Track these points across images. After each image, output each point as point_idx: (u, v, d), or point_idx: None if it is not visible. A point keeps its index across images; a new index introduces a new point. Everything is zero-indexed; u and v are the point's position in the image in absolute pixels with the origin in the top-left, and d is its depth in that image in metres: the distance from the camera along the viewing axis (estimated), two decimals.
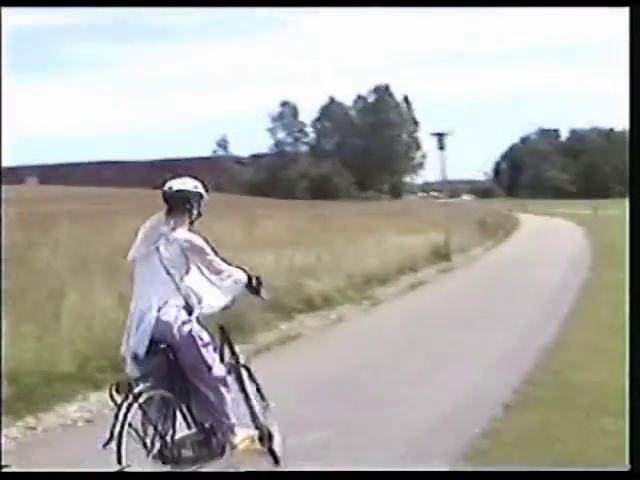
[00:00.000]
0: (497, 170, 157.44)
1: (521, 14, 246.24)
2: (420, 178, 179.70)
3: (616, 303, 15.59)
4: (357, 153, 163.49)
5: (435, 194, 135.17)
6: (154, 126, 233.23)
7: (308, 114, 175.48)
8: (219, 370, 6.66)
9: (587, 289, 18.08)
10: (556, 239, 40.82)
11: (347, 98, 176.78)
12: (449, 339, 12.51)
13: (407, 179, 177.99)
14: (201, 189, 6.81)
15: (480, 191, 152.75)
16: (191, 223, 6.71)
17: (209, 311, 6.86)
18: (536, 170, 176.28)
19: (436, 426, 8.00)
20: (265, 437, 6.94)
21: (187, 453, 6.40)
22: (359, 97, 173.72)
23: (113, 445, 5.73)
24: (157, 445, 6.14)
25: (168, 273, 6.49)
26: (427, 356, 11.42)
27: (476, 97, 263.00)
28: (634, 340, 5.98)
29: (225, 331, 7.28)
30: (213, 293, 6.86)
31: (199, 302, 6.71)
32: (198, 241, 6.57)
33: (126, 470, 5.74)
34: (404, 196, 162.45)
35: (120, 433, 5.80)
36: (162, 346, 6.35)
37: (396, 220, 37.90)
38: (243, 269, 6.94)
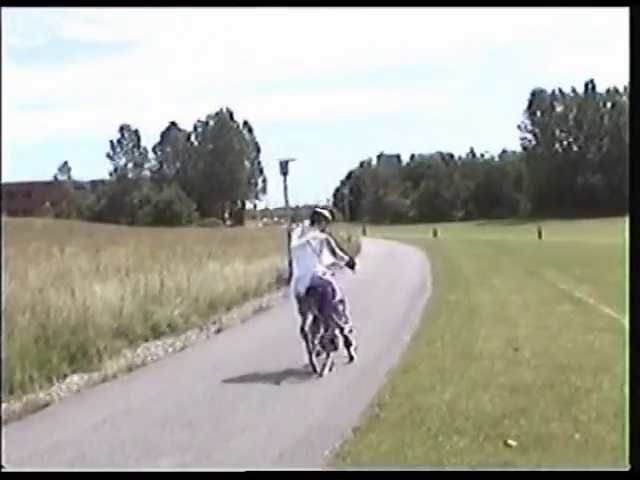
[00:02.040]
0: (338, 195, 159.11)
1: (362, 38, 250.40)
2: (262, 204, 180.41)
3: (459, 325, 16.00)
4: (199, 179, 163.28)
5: (277, 219, 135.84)
6: None
7: (149, 139, 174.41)
8: (339, 300, 12.59)
9: (429, 312, 18.40)
10: (397, 263, 41.48)
11: (189, 123, 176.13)
12: (294, 365, 12.53)
13: (249, 205, 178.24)
14: (328, 214, 13.08)
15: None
16: (322, 230, 12.73)
17: (334, 271, 12.75)
18: (376, 195, 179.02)
19: (287, 450, 8.00)
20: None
21: (327, 346, 12.32)
22: (199, 122, 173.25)
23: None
24: (316, 341, 12.08)
25: (315, 253, 12.44)
26: (273, 383, 11.38)
27: (317, 122, 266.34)
28: (634, 344, 6.10)
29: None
30: (334, 263, 12.78)
31: (330, 266, 12.66)
32: (330, 238, 12.77)
33: (126, 470, 7.28)
34: (246, 222, 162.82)
35: (302, 328, 11.97)
36: (312, 289, 12.27)
37: (239, 246, 37.93)
38: (348, 255, 13.47)
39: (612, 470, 6.55)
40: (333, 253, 12.74)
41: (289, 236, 14.13)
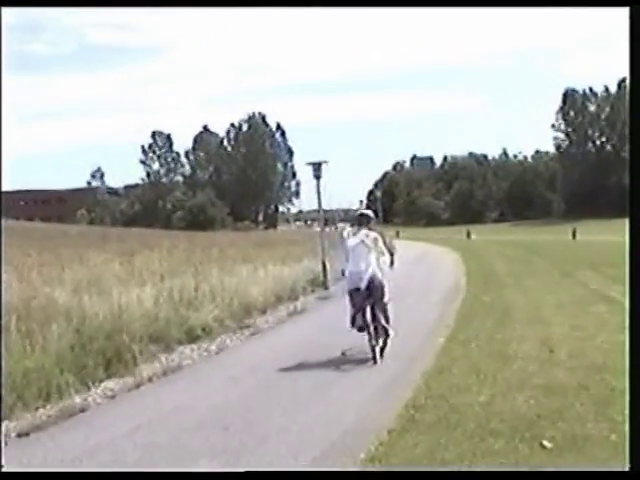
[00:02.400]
0: (371, 197, 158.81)
1: (394, 40, 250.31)
2: (295, 207, 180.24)
3: (493, 326, 15.94)
4: (232, 183, 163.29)
5: (310, 222, 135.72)
6: (27, 157, 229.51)
7: (182, 144, 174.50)
8: (387, 298, 13.70)
9: (463, 313, 18.33)
10: (431, 264, 41.37)
11: (221, 127, 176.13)
12: (331, 367, 12.55)
13: (282, 208, 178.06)
14: (372, 214, 14.64)
15: (355, 219, 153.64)
16: (370, 229, 13.87)
17: (384, 270, 13.97)
18: (410, 197, 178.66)
19: (322, 453, 8.01)
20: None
21: (380, 336, 13.46)
22: (232, 126, 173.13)
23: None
24: (370, 328, 13.30)
25: (369, 251, 13.54)
26: (308, 385, 11.42)
27: (350, 125, 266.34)
28: (634, 344, 6.07)
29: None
30: (384, 261, 14.03)
31: (381, 265, 13.83)
32: (379, 236, 13.89)
33: (126, 470, 7.41)
34: (279, 225, 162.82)
35: (354, 316, 13.55)
36: (370, 285, 13.36)
37: (273, 249, 37.99)
38: (390, 252, 14.34)
39: (612, 470, 6.52)
40: (381, 250, 14.01)
41: (341, 237, 14.66)
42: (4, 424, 9.66)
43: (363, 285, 13.38)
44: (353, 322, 13.58)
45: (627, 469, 5.94)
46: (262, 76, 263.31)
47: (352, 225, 14.52)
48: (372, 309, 13.55)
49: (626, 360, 6.54)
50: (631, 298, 6.12)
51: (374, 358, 12.97)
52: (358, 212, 15.23)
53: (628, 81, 6.37)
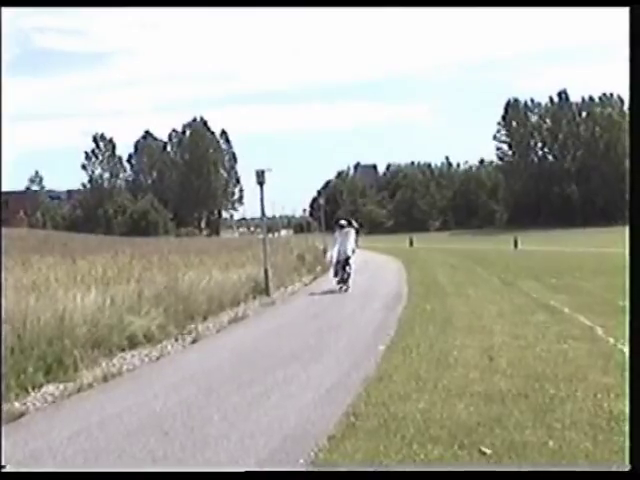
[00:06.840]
0: (315, 205, 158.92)
1: (340, 50, 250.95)
2: (238, 213, 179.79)
3: (434, 334, 16.02)
4: (175, 189, 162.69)
5: (254, 229, 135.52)
6: None
7: (125, 150, 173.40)
8: (352, 262, 29.13)
9: (404, 321, 18.40)
10: (373, 272, 41.46)
11: (165, 134, 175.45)
12: (271, 374, 12.53)
13: (226, 214, 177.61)
14: (345, 222, 30.43)
15: (298, 226, 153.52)
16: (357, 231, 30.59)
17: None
18: (353, 205, 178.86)
19: (261, 460, 8.02)
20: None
21: (346, 281, 28.52)
22: (175, 132, 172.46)
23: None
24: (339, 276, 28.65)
25: (349, 241, 29.30)
26: (250, 391, 11.40)
27: (294, 133, 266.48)
28: (633, 343, 6.12)
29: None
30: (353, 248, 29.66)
31: (353, 249, 29.57)
32: (354, 234, 30.09)
33: (126, 470, 7.49)
34: (222, 231, 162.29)
35: (337, 271, 28.87)
36: (345, 258, 28.58)
37: (216, 255, 37.86)
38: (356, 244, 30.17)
39: (612, 470, 6.61)
40: (354, 241, 29.12)
41: (334, 235, 30.03)
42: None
43: (341, 256, 28.28)
44: (336, 274, 28.17)
45: (627, 469, 6.01)
46: (208, 84, 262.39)
47: (336, 230, 29.75)
48: (343, 268, 28.01)
49: (626, 360, 6.63)
50: (631, 300, 6.19)
51: (346, 290, 27.53)
52: (340, 222, 29.96)
53: (628, 82, 6.39)
